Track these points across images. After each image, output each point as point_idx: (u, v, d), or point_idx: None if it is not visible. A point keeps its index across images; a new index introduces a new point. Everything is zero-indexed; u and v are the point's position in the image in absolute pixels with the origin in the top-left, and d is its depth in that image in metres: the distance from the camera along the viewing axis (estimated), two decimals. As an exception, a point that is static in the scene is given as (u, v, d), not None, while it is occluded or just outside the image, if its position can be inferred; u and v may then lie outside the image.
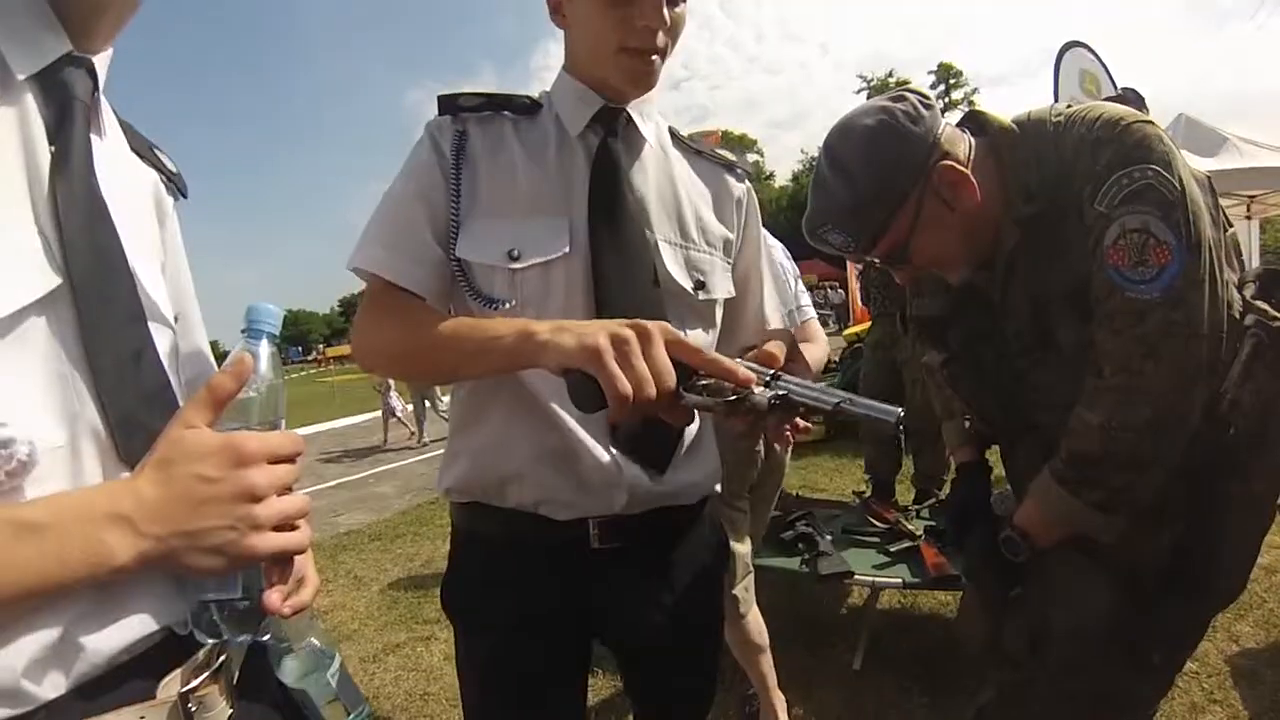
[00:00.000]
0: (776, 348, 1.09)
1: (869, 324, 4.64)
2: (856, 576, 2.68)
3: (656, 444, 1.07)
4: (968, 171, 1.20)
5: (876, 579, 2.70)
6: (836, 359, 8.68)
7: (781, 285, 1.34)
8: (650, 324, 0.79)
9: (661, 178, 1.16)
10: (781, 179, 56.17)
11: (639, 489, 1.05)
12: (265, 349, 0.66)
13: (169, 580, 0.65)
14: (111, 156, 0.74)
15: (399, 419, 10.88)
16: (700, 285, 1.13)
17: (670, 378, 0.77)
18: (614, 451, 1.04)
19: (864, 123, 1.21)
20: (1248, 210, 10.82)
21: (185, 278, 0.90)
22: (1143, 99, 3.87)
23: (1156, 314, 1.08)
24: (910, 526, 3.02)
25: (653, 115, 1.19)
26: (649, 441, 1.06)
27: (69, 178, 0.65)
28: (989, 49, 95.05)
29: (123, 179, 0.75)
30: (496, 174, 1.07)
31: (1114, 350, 1.12)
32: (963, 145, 1.25)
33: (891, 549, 2.88)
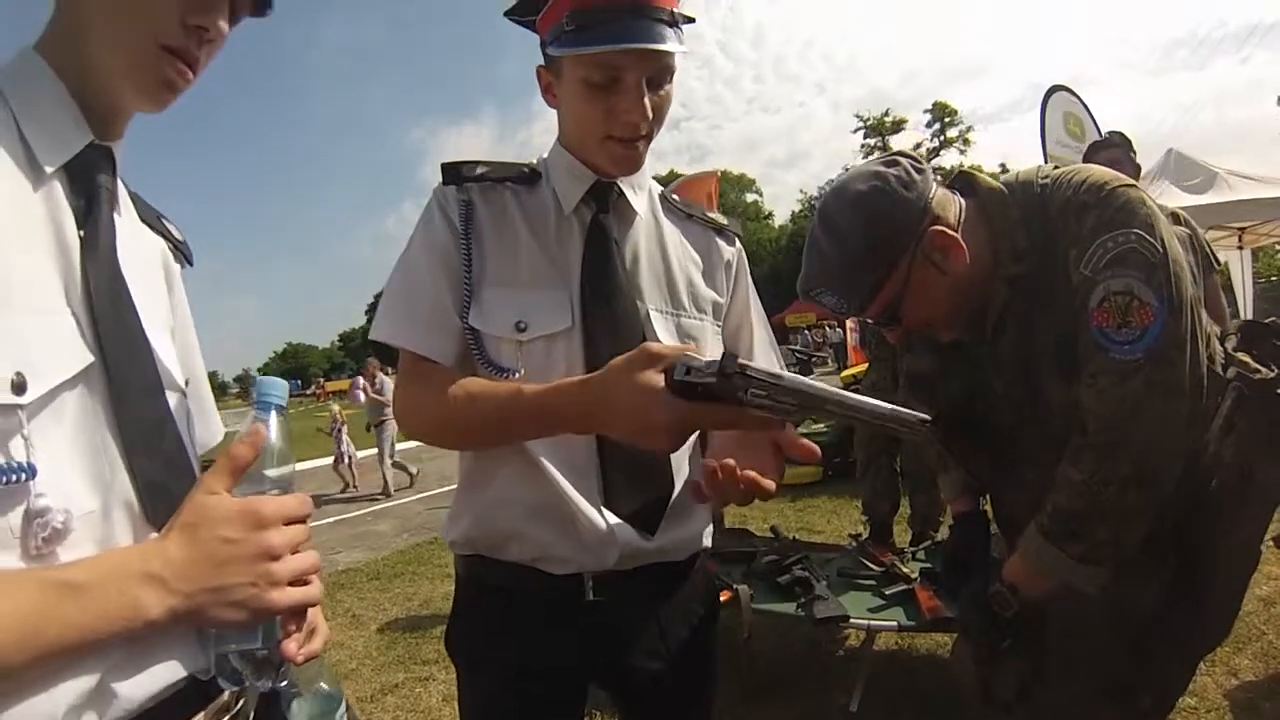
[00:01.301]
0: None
1: (866, 366, 4.69)
2: (853, 620, 2.70)
3: (646, 507, 1.12)
4: (958, 236, 1.24)
5: (872, 622, 2.72)
6: None
7: (774, 342, 1.37)
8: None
9: (653, 247, 1.23)
10: (781, 218, 56.81)
11: (631, 547, 1.10)
12: (275, 420, 0.73)
13: (193, 631, 0.70)
14: (127, 232, 0.80)
15: (340, 470, 10.36)
16: None
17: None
18: (607, 513, 1.09)
19: (857, 188, 1.25)
20: (1239, 240, 10.98)
21: (192, 338, 0.95)
22: (1129, 141, 3.96)
23: (1139, 374, 1.12)
24: (906, 569, 3.04)
25: (644, 185, 1.25)
26: (639, 505, 1.12)
27: (97, 261, 0.71)
28: (982, 88, 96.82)
29: (137, 252, 0.81)
30: (502, 246, 1.14)
31: (1097, 409, 1.15)
32: (953, 207, 1.28)
33: (887, 592, 2.90)
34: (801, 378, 0.78)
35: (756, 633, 2.51)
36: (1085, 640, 1.29)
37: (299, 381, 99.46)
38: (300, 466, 12.33)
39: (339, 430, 10.34)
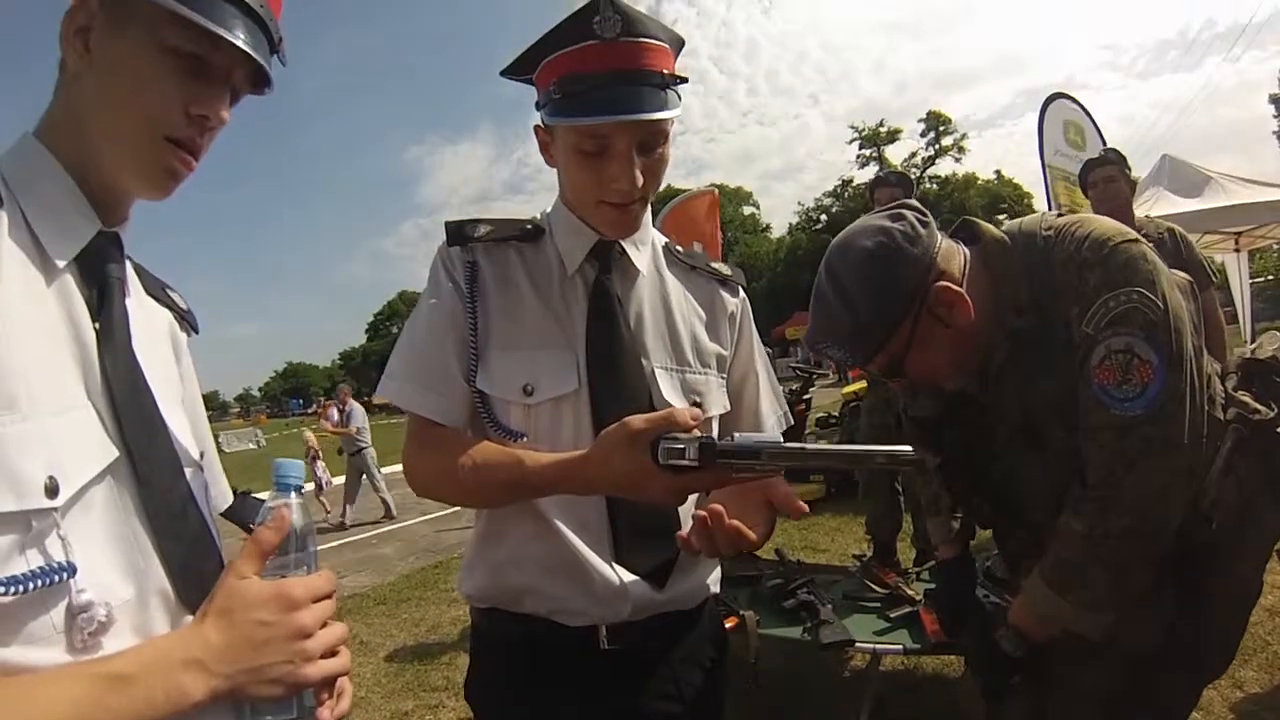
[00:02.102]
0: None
1: (866, 384, 4.72)
2: (858, 644, 2.73)
3: (655, 562, 1.15)
4: (962, 291, 1.25)
5: (878, 645, 2.74)
6: (836, 414, 8.77)
7: (777, 388, 1.40)
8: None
9: (656, 304, 1.25)
10: (778, 229, 56.92)
11: (643, 600, 1.14)
12: (295, 501, 0.76)
13: (229, 705, 0.73)
14: (136, 312, 0.82)
15: (319, 500, 10.09)
16: (696, 405, 1.21)
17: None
18: (619, 568, 1.13)
19: (864, 244, 1.25)
20: (1236, 243, 11.09)
21: (199, 406, 0.97)
22: (1124, 158, 4.01)
23: (1139, 430, 1.15)
24: (910, 591, 3.06)
25: (646, 240, 1.27)
26: (649, 560, 1.15)
27: (114, 353, 0.74)
28: (974, 95, 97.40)
29: (146, 330, 0.83)
30: (507, 307, 1.17)
31: (1098, 463, 1.19)
32: (958, 259, 1.30)
33: (892, 615, 2.92)
34: (783, 444, 0.86)
35: (763, 655, 2.54)
36: (1090, 675, 1.32)
37: (299, 401, 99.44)
38: (308, 487, 12.34)
39: (314, 458, 10.23)
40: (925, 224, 1.27)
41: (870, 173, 50.64)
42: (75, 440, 0.66)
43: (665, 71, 1.12)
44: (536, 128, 1.20)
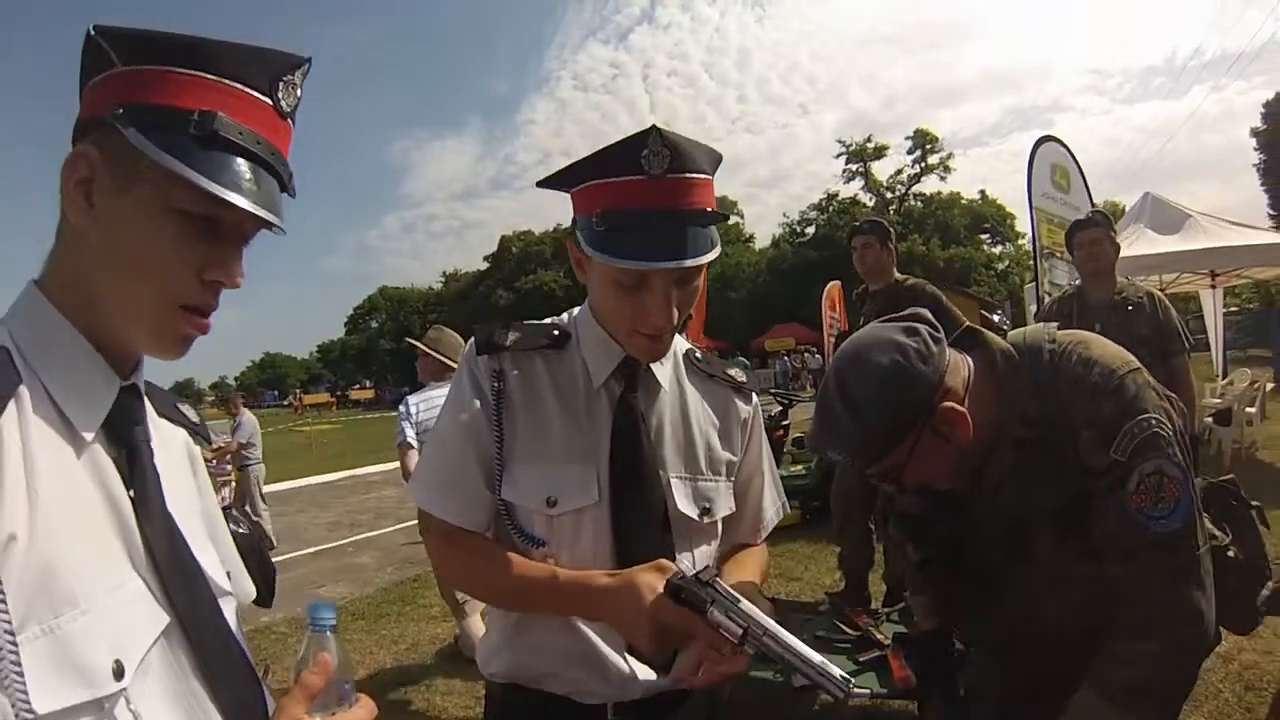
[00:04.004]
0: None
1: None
2: (829, 687, 2.84)
3: (661, 657, 1.24)
4: (965, 411, 1.28)
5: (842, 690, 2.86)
6: None
7: (778, 481, 1.50)
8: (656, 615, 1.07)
9: (675, 416, 1.31)
10: (762, 239, 57.00)
11: (651, 684, 1.23)
12: (333, 643, 0.80)
13: None
14: (158, 448, 0.82)
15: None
16: (706, 511, 1.30)
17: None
18: (629, 657, 1.22)
19: (878, 360, 1.26)
20: (1212, 281, 11.48)
21: (218, 512, 0.97)
22: (1109, 220, 4.20)
23: (1183, 544, 1.23)
24: (879, 635, 3.19)
25: (669, 354, 1.31)
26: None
27: (151, 518, 0.76)
28: (962, 113, 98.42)
29: (167, 461, 0.84)
30: (533, 420, 1.23)
31: (1151, 583, 1.23)
32: (963, 371, 1.33)
33: (861, 658, 3.04)
34: (755, 612, 1.02)
35: (736, 693, 2.63)
36: None
37: (275, 393, 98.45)
38: (274, 488, 12.23)
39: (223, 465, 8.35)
40: (938, 340, 1.30)
41: (855, 188, 51.11)
42: (130, 615, 0.70)
43: (708, 209, 1.16)
44: (569, 243, 1.23)
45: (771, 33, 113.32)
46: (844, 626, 3.33)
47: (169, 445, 0.88)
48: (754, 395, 1.44)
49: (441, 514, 1.24)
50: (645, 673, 1.23)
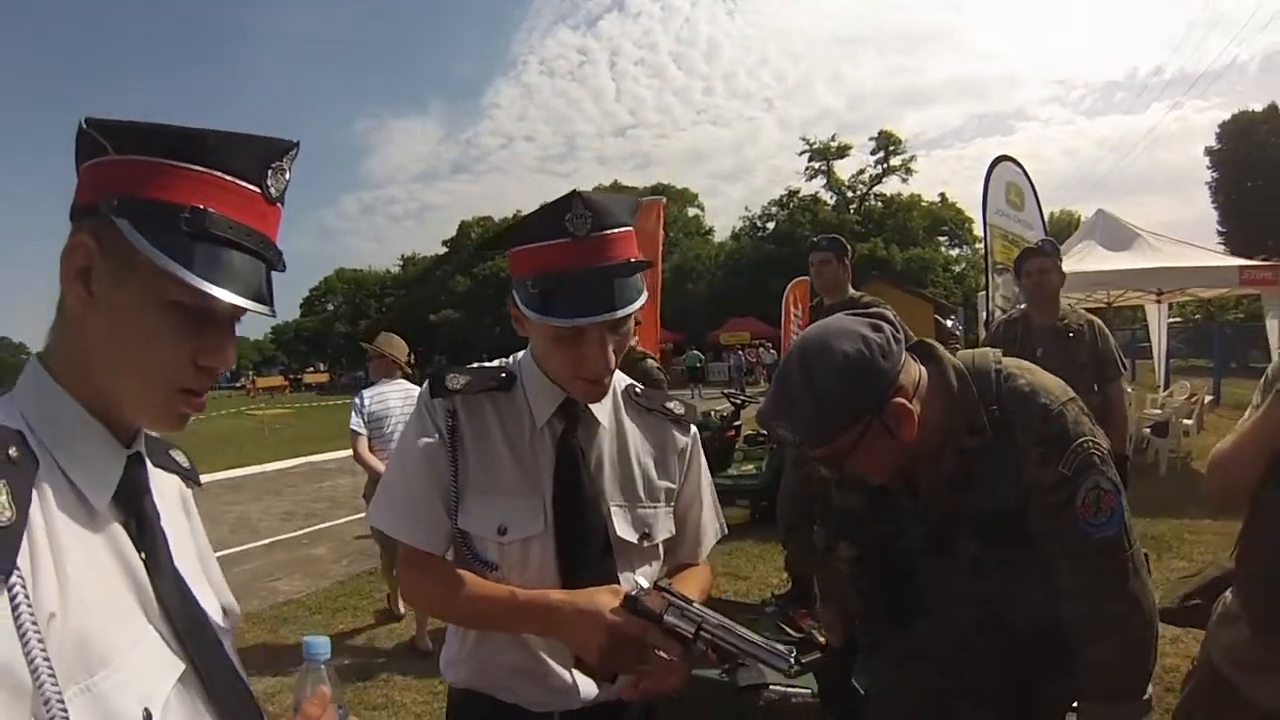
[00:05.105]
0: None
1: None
2: (771, 687, 3.00)
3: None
4: (914, 408, 1.39)
5: (789, 689, 3.02)
6: (765, 433, 9.00)
7: (717, 506, 1.63)
8: (616, 619, 1.21)
9: (614, 450, 1.43)
10: (722, 232, 57.19)
11: (591, 695, 1.38)
12: (327, 675, 0.91)
13: None
14: (157, 499, 0.89)
15: None
16: (645, 536, 1.43)
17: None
18: (575, 672, 1.36)
19: (844, 348, 1.34)
20: (1158, 296, 11.98)
21: (208, 548, 1.03)
22: (1058, 250, 4.49)
23: (1121, 546, 1.41)
24: (821, 638, 3.35)
25: (609, 391, 1.41)
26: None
27: (162, 575, 0.83)
28: (927, 115, 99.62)
29: (163, 505, 0.90)
30: (483, 456, 1.36)
31: (1102, 582, 1.40)
32: (914, 375, 1.43)
33: (804, 660, 3.19)
34: (705, 610, 1.22)
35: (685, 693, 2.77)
36: None
37: (228, 374, 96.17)
38: (227, 475, 12.07)
39: None
40: (898, 341, 1.41)
41: (817, 185, 51.52)
42: (151, 666, 0.78)
43: (632, 259, 1.27)
44: (510, 302, 1.33)
45: (742, 27, 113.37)
46: (787, 628, 3.50)
47: (165, 494, 0.93)
48: (692, 426, 1.55)
49: (410, 540, 1.36)
50: (586, 686, 1.37)
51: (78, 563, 0.74)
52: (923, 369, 1.47)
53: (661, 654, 1.23)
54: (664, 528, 1.47)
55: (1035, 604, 1.48)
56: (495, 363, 1.47)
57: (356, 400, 4.68)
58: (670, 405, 1.53)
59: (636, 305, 1.27)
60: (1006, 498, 1.44)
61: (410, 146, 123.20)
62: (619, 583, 1.34)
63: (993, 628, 1.51)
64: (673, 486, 1.50)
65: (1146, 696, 1.46)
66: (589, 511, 1.38)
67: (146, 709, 0.74)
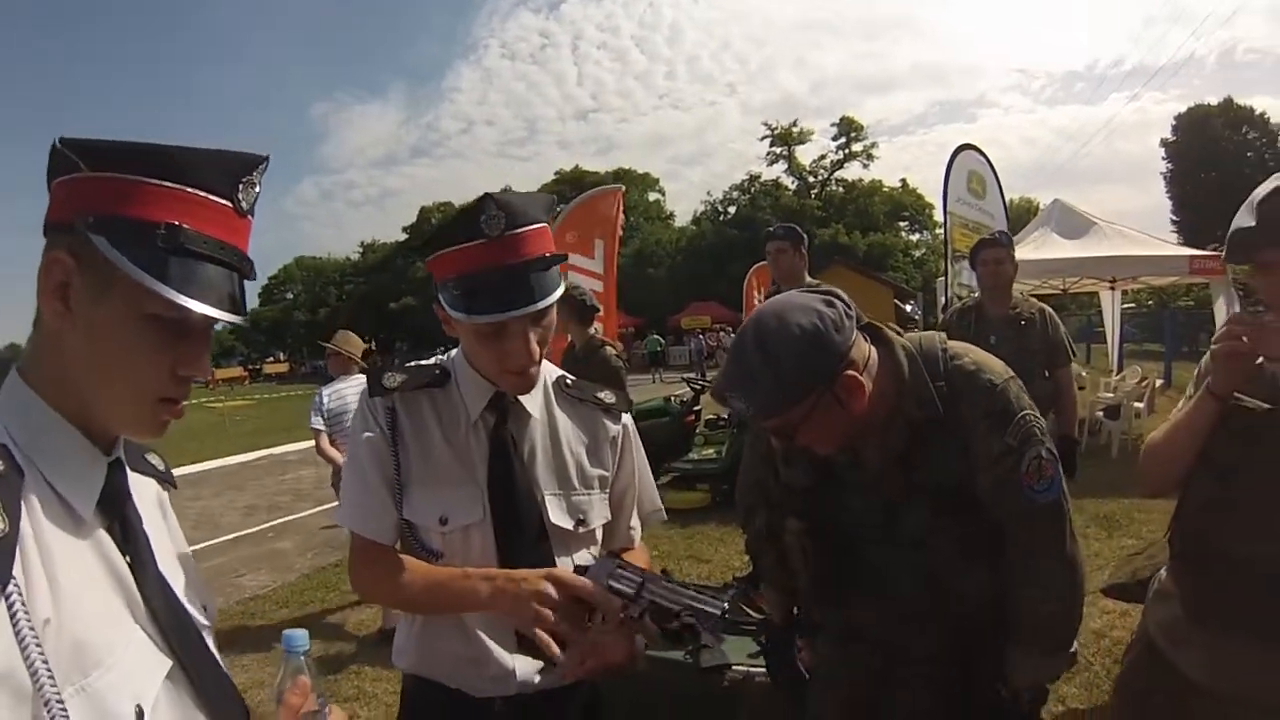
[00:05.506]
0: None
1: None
2: (734, 667, 3.08)
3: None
4: (864, 381, 1.43)
5: (751, 668, 3.10)
6: (725, 417, 8.84)
7: (652, 490, 1.66)
8: (545, 582, 1.30)
9: (546, 440, 1.50)
10: (682, 216, 57.03)
11: (527, 683, 1.45)
12: (307, 665, 0.93)
13: None
14: (137, 502, 0.92)
15: None
16: (581, 522, 1.49)
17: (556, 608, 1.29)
18: (511, 659, 1.44)
19: (799, 321, 1.39)
20: (1112, 284, 12.30)
21: (186, 547, 1.05)
22: (1011, 241, 4.64)
23: (1060, 510, 1.53)
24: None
25: (539, 382, 1.48)
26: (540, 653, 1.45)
27: (147, 577, 0.87)
28: (889, 101, 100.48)
29: (146, 515, 0.93)
30: (422, 450, 1.43)
31: (1043, 544, 1.53)
32: (864, 352, 1.48)
33: (764, 640, 3.30)
34: (646, 571, 1.33)
35: (650, 669, 2.83)
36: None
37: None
38: (189, 470, 11.87)
39: None
40: (850, 317, 1.45)
41: (779, 170, 51.64)
42: (141, 664, 0.81)
43: (547, 254, 1.33)
44: (435, 306, 1.39)
45: (706, 10, 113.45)
46: (749, 610, 3.59)
47: (144, 497, 0.96)
48: (624, 415, 1.61)
49: (362, 530, 1.43)
50: (525, 672, 1.44)
51: (67, 569, 0.77)
52: (872, 348, 1.53)
53: (603, 618, 1.32)
54: (599, 514, 1.54)
55: (977, 576, 1.56)
56: (431, 360, 1.54)
57: (316, 399, 4.91)
58: (601, 395, 1.59)
59: (554, 297, 1.33)
60: (953, 469, 1.53)
61: (369, 130, 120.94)
62: (554, 565, 1.42)
63: (934, 601, 1.58)
64: (606, 474, 1.56)
65: (1073, 650, 1.60)
66: (524, 500, 1.45)
67: (139, 706, 0.77)
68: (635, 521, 1.64)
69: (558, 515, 1.48)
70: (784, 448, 1.73)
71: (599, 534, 1.56)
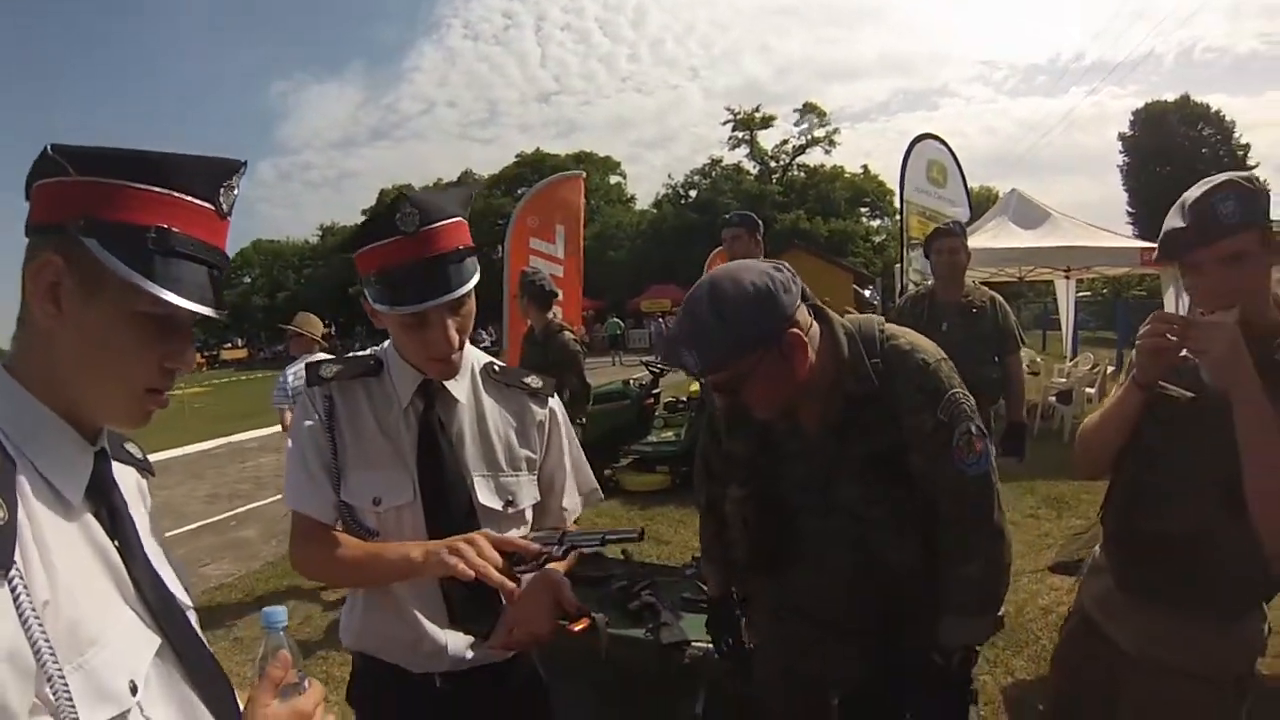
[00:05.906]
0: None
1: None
2: (694, 644, 3.17)
3: (484, 622, 1.53)
4: (808, 341, 1.53)
5: (710, 645, 3.22)
6: (685, 399, 9.09)
7: (584, 472, 1.77)
8: (475, 535, 1.38)
9: (473, 424, 1.57)
10: (644, 200, 56.75)
11: (459, 659, 1.56)
12: (286, 641, 0.96)
13: None
14: (122, 490, 0.97)
15: None
16: (510, 503, 1.57)
17: (494, 557, 1.35)
18: (443, 635, 1.54)
19: (751, 279, 1.47)
20: (1066, 273, 12.63)
21: (162, 534, 1.09)
22: (965, 231, 4.79)
23: (988, 482, 1.64)
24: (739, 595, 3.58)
25: (465, 370, 1.57)
26: (477, 625, 1.55)
27: (135, 561, 0.91)
28: (852, 88, 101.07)
29: (129, 501, 0.97)
30: (356, 435, 1.52)
31: (973, 514, 1.63)
32: (807, 319, 1.57)
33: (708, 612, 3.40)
34: (571, 539, 1.45)
35: (612, 653, 2.91)
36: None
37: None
38: (158, 457, 11.69)
39: None
40: (796, 285, 1.54)
41: (740, 155, 51.64)
42: (132, 642, 0.86)
43: (461, 246, 1.41)
44: (362, 300, 1.48)
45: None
46: (706, 588, 3.71)
47: (125, 485, 1.00)
48: (551, 399, 1.69)
49: (304, 509, 1.52)
50: (457, 647, 1.55)
51: (61, 553, 0.81)
52: (815, 323, 1.61)
53: (525, 575, 1.42)
54: (528, 495, 1.62)
55: (910, 547, 1.65)
56: (366, 351, 1.64)
57: (280, 380, 5.17)
58: (528, 380, 1.67)
59: (469, 286, 1.41)
60: (886, 440, 1.63)
61: (328, 111, 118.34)
62: None
63: (867, 568, 1.66)
64: (534, 456, 1.64)
65: (1000, 613, 1.71)
66: (453, 481, 1.53)
67: (132, 681, 0.83)
68: (569, 502, 1.73)
69: (486, 496, 1.55)
70: (727, 415, 1.83)
71: (529, 514, 1.64)
